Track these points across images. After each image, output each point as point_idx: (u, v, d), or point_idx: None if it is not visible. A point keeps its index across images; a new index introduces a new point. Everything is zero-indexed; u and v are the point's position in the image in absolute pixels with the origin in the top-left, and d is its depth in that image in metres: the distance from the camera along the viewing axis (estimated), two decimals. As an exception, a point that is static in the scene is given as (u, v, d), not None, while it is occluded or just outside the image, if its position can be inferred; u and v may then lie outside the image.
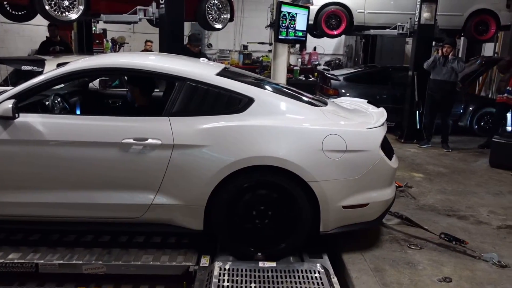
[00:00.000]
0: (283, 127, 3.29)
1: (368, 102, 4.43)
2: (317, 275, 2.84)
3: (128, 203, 3.29)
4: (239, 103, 3.35)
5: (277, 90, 3.80)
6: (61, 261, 3.25)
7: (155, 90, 4.30)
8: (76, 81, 4.59)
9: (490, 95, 11.06)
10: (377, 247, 3.69)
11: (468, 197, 5.08)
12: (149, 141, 3.19)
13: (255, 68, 13.81)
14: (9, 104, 3.12)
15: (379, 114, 3.72)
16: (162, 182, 3.24)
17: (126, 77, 5.09)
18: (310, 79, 10.98)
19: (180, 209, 3.28)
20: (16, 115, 3.14)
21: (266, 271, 2.87)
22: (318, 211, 3.28)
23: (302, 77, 10.94)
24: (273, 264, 2.95)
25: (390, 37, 12.51)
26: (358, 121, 3.56)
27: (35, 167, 3.25)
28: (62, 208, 3.32)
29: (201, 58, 4.21)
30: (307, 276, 2.82)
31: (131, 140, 3.18)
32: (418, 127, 8.07)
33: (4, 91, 3.39)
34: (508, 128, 7.84)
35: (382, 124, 3.53)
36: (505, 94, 7.17)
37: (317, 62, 15.01)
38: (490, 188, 5.50)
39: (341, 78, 9.23)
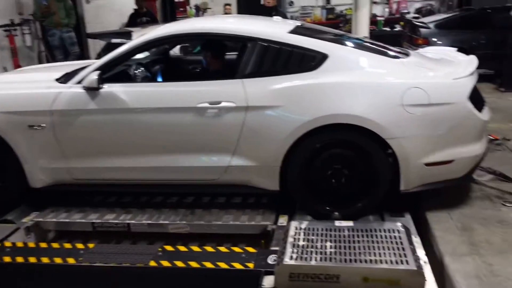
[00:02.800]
0: (360, 83, 3.14)
1: (458, 50, 4.06)
2: (396, 234, 2.74)
3: (206, 165, 3.40)
4: (313, 61, 3.24)
5: (354, 44, 3.62)
6: (150, 221, 3.47)
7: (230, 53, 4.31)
8: (157, 49, 4.75)
9: None
10: (466, 205, 3.45)
11: None
12: (223, 104, 3.22)
13: (339, 23, 13.28)
14: (94, 75, 3.32)
15: (468, 63, 3.40)
16: (237, 144, 3.28)
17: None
18: (396, 30, 10.27)
19: (256, 170, 3.32)
20: (101, 85, 3.35)
21: (342, 230, 2.82)
22: (398, 169, 3.14)
23: (387, 28, 10.27)
24: (350, 223, 2.89)
25: (489, -25, 11.27)
26: (443, 71, 3.28)
27: (120, 134, 3.44)
28: (148, 171, 3.51)
29: (275, 17, 4.11)
30: (386, 236, 2.72)
31: (206, 104, 3.24)
32: (521, 74, 7.28)
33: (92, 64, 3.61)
34: None
35: (471, 74, 3.22)
36: None
37: (406, 10, 14.03)
38: None
39: (431, 25, 8.57)
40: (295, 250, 2.64)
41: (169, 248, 3.02)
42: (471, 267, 2.68)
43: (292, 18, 13.57)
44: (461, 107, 3.10)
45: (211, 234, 3.46)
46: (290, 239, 2.76)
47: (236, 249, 2.96)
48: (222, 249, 2.99)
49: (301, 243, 2.72)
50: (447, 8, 13.11)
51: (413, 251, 2.58)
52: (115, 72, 3.76)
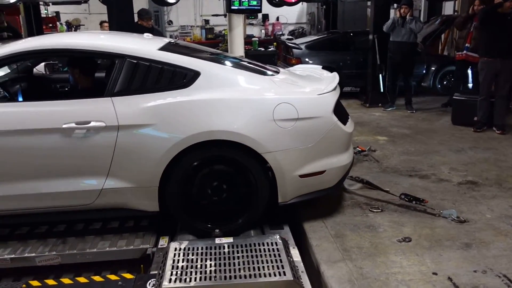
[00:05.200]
0: (231, 99, 3.17)
1: (322, 68, 4.35)
2: (274, 246, 2.79)
3: (77, 190, 3.15)
4: (185, 78, 3.21)
5: (227, 62, 3.67)
6: (13, 255, 3.13)
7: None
8: (18, 67, 4.35)
9: (452, 54, 11.13)
10: (338, 213, 3.67)
11: (430, 156, 5.11)
12: (92, 124, 3.04)
13: (218, 43, 13.53)
14: None
15: (330, 79, 3.64)
16: (110, 165, 3.11)
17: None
18: (270, 50, 10.81)
19: (133, 192, 3.17)
20: None
21: (223, 247, 2.80)
22: (275, 183, 3.22)
23: (261, 48, 10.77)
24: (230, 240, 2.89)
25: (351, 2, 12.40)
26: (309, 87, 3.47)
27: (-27, 161, 3.06)
28: (10, 200, 3.15)
29: (145, 34, 4.01)
30: (265, 249, 2.77)
31: (73, 125, 3.03)
32: (382, 91, 8.06)
33: None
34: (470, 85, 7.90)
35: (334, 89, 3.45)
36: (464, 51, 7.19)
37: (280, 32, 14.82)
38: (451, 145, 5.55)
39: (302, 46, 9.12)
40: (174, 272, 2.56)
41: (35, 283, 2.75)
42: (344, 272, 2.83)
43: (171, 37, 13.54)
44: (327, 120, 3.29)
45: (88, 264, 3.21)
46: (169, 261, 2.67)
47: (112, 276, 2.79)
48: (97, 278, 2.80)
49: (180, 264, 2.65)
50: (317, 31, 14.14)
51: (291, 262, 2.65)
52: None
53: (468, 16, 7.09)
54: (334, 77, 3.67)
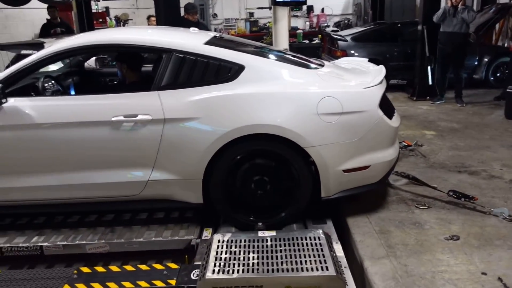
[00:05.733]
0: (275, 93, 3.17)
1: (369, 61, 4.26)
2: (317, 241, 2.77)
3: (125, 181, 3.26)
4: (229, 72, 3.23)
5: (272, 55, 3.66)
6: (65, 242, 3.29)
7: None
8: (70, 62, 4.54)
9: (506, 44, 10.61)
10: (383, 208, 3.60)
11: (481, 152, 4.91)
12: (139, 117, 3.12)
13: (262, 35, 13.50)
14: None
15: (377, 72, 3.55)
16: (156, 157, 3.19)
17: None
18: (314, 42, 10.67)
19: (178, 184, 3.24)
20: (3, 100, 3.12)
21: (265, 241, 2.81)
22: (318, 177, 3.20)
23: (306, 41, 10.65)
24: (273, 233, 2.89)
25: (399, -8, 12.07)
26: (354, 81, 3.41)
27: (29, 151, 3.22)
28: (61, 190, 3.30)
29: (191, 28, 4.06)
30: (307, 243, 2.75)
31: (121, 118, 3.12)
32: (430, 83, 7.80)
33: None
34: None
35: (380, 82, 3.37)
36: (520, 42, 6.84)
37: (325, 24, 14.61)
38: (504, 141, 5.30)
39: (348, 38, 8.96)
40: (217, 264, 2.59)
41: (85, 269, 2.85)
42: (388, 268, 2.78)
43: (215, 30, 13.65)
44: (372, 114, 3.22)
45: (136, 252, 3.32)
46: (212, 253, 2.71)
47: (158, 266, 2.86)
48: (143, 267, 2.87)
49: (223, 255, 2.67)
50: (363, 22, 13.83)
51: (333, 257, 2.63)
52: (22, 85, 3.52)
53: (525, 5, 6.73)
54: (381, 70, 3.59)
